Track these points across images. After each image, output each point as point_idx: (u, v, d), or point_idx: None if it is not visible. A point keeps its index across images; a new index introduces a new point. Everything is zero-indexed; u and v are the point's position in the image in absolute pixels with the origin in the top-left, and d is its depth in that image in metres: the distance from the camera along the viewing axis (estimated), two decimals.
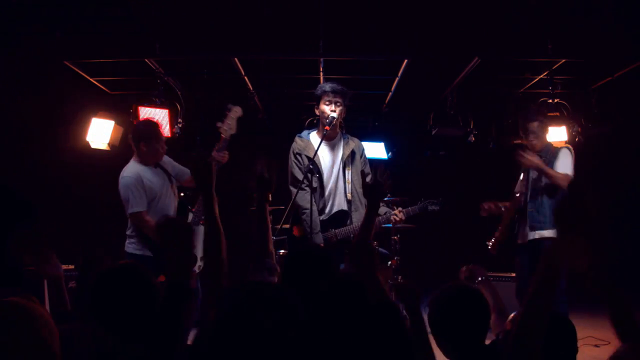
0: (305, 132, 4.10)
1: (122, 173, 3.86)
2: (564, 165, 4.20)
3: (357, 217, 3.90)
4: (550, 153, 4.30)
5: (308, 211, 3.79)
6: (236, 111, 3.71)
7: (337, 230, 3.88)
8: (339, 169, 3.99)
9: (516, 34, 4.91)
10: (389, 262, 5.99)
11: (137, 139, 3.90)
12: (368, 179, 4.03)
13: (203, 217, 3.93)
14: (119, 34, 4.84)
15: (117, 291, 1.65)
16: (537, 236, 4.19)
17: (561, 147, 4.39)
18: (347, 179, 3.95)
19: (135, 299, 1.65)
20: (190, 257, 1.74)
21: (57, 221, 6.28)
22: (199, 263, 3.78)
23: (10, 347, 1.13)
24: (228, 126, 3.69)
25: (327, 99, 3.90)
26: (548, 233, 4.12)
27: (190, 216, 3.93)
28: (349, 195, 3.92)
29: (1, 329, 1.15)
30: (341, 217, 3.93)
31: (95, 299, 1.66)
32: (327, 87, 3.93)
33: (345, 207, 3.95)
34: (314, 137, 4.06)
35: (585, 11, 4.54)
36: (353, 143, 4.04)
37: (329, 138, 3.98)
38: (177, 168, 4.16)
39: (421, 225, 6.34)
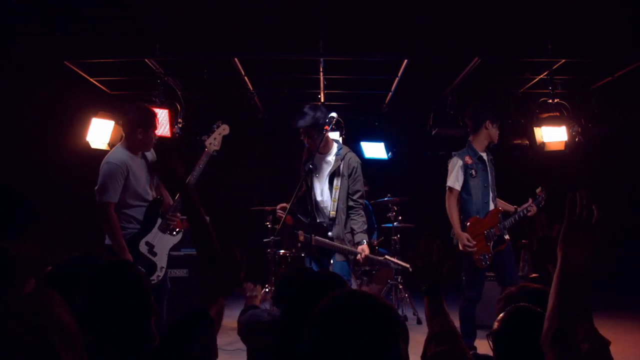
0: None
1: (107, 157, 3.64)
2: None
3: (337, 231, 3.92)
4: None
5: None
6: (224, 128, 3.75)
7: (315, 237, 3.86)
8: (326, 184, 3.98)
9: (516, 34, 4.91)
10: None
11: (134, 124, 3.67)
12: (356, 196, 3.96)
13: (174, 223, 3.70)
14: (119, 34, 4.84)
15: (108, 291, 1.55)
16: None
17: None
18: (333, 197, 3.93)
19: (125, 299, 1.55)
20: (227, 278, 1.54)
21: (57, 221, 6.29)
22: (158, 273, 3.64)
23: (17, 346, 1.11)
24: (214, 141, 3.71)
25: None
26: None
27: (159, 221, 3.72)
28: (332, 213, 3.92)
29: (10, 327, 1.13)
30: (322, 228, 3.94)
31: (87, 299, 1.56)
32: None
33: (327, 221, 3.96)
34: None
35: (585, 11, 4.54)
36: (342, 161, 3.95)
37: (320, 151, 4.00)
38: None
39: (421, 225, 6.36)
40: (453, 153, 4.40)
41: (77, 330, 1.18)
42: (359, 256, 3.80)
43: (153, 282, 3.58)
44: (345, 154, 3.99)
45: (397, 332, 1.09)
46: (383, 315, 1.11)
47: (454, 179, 4.28)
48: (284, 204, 3.90)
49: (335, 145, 4.03)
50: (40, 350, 1.11)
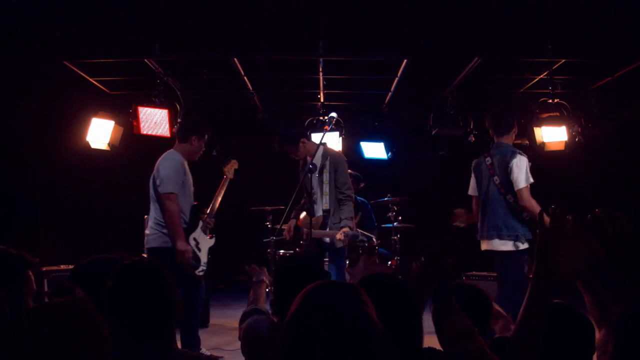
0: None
1: (167, 155, 4.01)
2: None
3: (330, 221, 4.35)
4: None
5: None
6: (235, 163, 4.52)
7: (313, 230, 4.22)
8: (317, 180, 4.45)
9: (516, 34, 4.91)
10: (389, 262, 6.00)
11: (191, 131, 4.09)
12: (344, 188, 4.39)
13: (211, 226, 4.24)
14: (119, 34, 4.84)
15: (135, 288, 1.65)
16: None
17: None
18: (324, 191, 4.39)
19: (151, 297, 1.65)
20: None
21: (57, 220, 6.29)
22: (202, 266, 4.11)
23: (72, 348, 1.12)
24: (230, 169, 4.46)
25: None
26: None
27: (200, 223, 4.16)
28: (325, 205, 4.36)
29: (62, 329, 1.13)
30: (322, 221, 4.39)
31: (113, 295, 1.65)
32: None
33: (323, 214, 4.39)
34: None
35: (585, 11, 4.54)
36: (327, 158, 4.41)
37: (308, 156, 4.48)
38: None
39: (421, 226, 6.35)
40: (517, 151, 4.11)
41: (106, 338, 1.19)
42: (338, 235, 4.14)
43: (200, 274, 4.05)
44: (330, 153, 4.46)
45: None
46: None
47: (530, 175, 4.01)
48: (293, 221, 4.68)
49: (321, 148, 4.42)
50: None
